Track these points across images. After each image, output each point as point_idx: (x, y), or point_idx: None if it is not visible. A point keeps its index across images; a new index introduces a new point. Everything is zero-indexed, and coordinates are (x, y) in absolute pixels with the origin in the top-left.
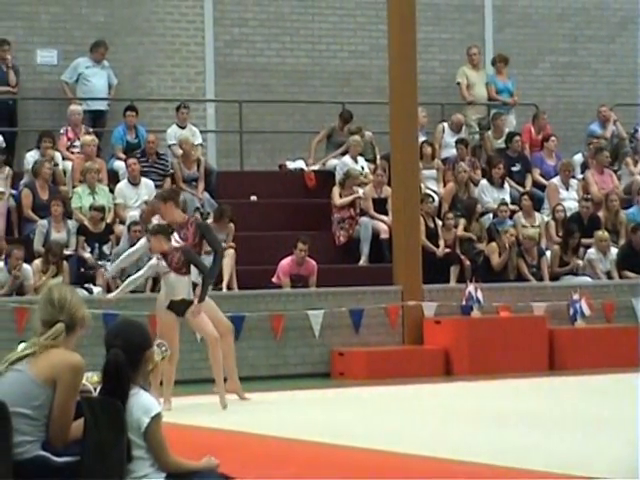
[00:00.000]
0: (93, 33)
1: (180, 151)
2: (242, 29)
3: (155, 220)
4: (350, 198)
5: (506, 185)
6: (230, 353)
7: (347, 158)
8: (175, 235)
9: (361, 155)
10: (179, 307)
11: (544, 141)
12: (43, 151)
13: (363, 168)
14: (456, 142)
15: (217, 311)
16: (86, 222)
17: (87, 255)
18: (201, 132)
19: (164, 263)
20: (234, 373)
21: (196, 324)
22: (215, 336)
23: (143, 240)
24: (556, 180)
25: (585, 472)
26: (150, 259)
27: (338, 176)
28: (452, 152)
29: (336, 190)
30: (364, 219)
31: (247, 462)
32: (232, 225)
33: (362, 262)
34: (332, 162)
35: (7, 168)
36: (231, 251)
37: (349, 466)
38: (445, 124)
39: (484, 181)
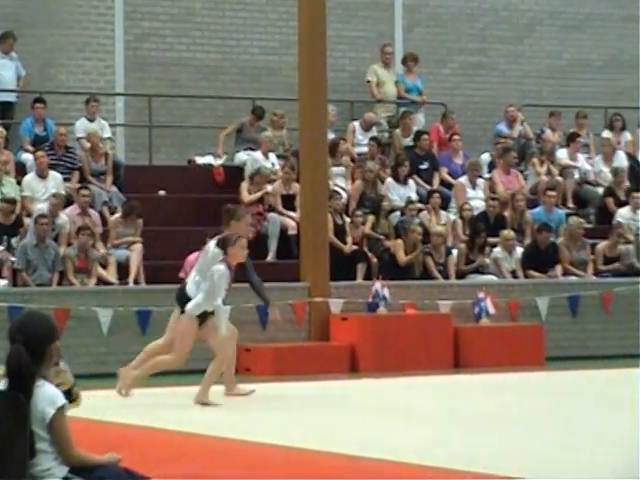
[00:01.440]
0: (1, 24)
1: (88, 144)
2: (152, 23)
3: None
4: (259, 194)
5: (412, 183)
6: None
7: (258, 154)
8: None
9: (272, 151)
10: (205, 317)
11: (450, 140)
12: None
13: (274, 164)
14: (369, 140)
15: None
16: None
17: None
18: (110, 126)
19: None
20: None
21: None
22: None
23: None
24: (463, 179)
25: (487, 469)
26: None
27: (247, 172)
28: (363, 150)
29: (245, 186)
30: (272, 215)
31: (151, 457)
32: (140, 220)
33: (269, 258)
34: (242, 157)
35: None
36: (138, 246)
37: (253, 462)
38: (356, 122)
39: (390, 179)
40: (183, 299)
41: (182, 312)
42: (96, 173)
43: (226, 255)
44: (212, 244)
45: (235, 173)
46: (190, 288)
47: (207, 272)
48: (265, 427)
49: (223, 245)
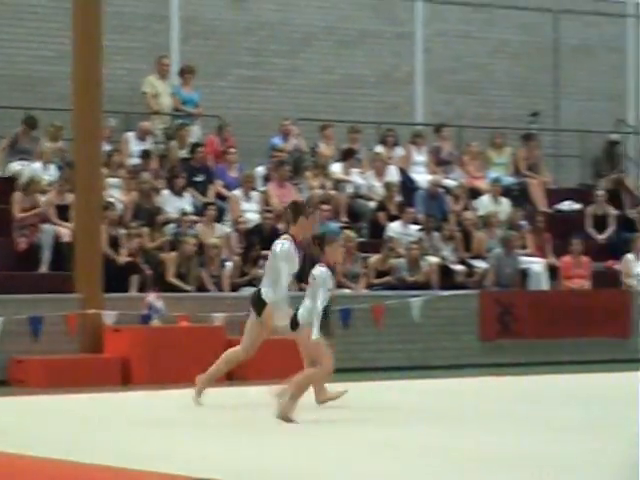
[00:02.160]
0: None
1: None
2: None
3: None
4: (32, 205)
5: (187, 195)
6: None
7: (37, 164)
8: None
9: (51, 162)
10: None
11: (225, 153)
12: None
13: (52, 176)
14: (142, 151)
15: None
16: None
17: None
18: None
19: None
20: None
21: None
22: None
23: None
24: (238, 192)
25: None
26: None
27: (21, 182)
28: (137, 161)
29: (18, 196)
30: (46, 226)
31: None
32: None
33: (43, 269)
34: (15, 168)
35: None
36: None
37: (21, 474)
38: (131, 133)
39: (166, 191)
40: (260, 304)
41: (258, 315)
42: None
43: (323, 254)
44: (279, 244)
45: (8, 184)
46: (266, 292)
47: (278, 271)
48: (33, 439)
49: (320, 244)
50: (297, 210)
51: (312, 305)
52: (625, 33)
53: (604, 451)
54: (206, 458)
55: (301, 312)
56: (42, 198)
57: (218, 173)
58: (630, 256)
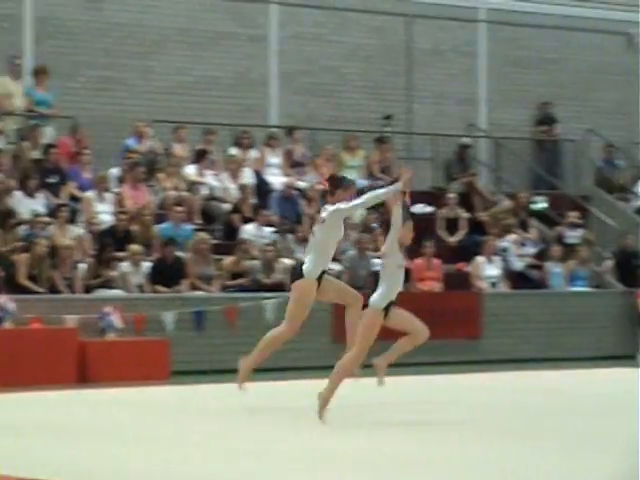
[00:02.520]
0: None
1: None
2: None
3: None
4: None
5: (40, 196)
6: (357, 321)
7: None
8: None
9: None
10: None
11: (79, 154)
12: None
13: None
14: None
15: (339, 284)
16: None
17: None
18: None
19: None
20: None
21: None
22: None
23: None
24: (91, 193)
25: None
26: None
27: None
28: None
29: None
30: None
31: None
32: None
33: None
34: None
35: None
36: None
37: None
38: None
39: (18, 192)
40: (295, 275)
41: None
42: None
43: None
44: (326, 215)
45: None
46: (307, 266)
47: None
48: None
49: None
50: (333, 183)
51: (387, 290)
52: (476, 38)
53: (464, 450)
54: (59, 462)
55: (375, 297)
56: None
57: (72, 174)
58: (480, 258)
